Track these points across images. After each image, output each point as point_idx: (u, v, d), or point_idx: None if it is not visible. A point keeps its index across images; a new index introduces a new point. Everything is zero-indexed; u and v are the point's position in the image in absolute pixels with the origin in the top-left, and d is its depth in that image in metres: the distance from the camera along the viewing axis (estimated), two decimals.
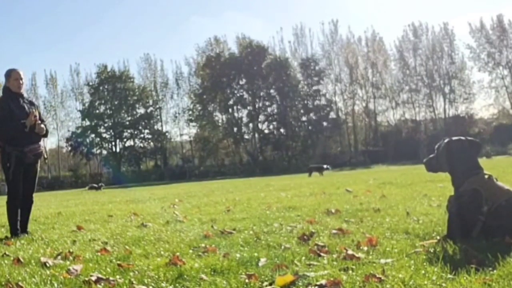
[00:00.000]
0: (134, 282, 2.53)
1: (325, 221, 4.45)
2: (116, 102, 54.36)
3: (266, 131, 55.93)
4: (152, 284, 2.48)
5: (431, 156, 3.39)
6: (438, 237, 3.14)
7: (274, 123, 55.20)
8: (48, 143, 55.52)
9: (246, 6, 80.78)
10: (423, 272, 2.34)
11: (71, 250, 3.62)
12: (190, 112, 55.84)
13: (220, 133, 55.89)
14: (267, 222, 4.66)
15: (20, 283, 2.60)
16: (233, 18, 75.76)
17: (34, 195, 5.38)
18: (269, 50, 55.30)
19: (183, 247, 3.52)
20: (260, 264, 2.76)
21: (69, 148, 54.90)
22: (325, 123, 54.76)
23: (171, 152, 60.62)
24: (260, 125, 55.69)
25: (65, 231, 5.26)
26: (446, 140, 3.28)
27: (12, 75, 5.22)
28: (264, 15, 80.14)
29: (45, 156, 5.53)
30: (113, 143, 55.39)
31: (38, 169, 5.45)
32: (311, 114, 55.08)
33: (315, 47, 59.88)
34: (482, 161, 3.41)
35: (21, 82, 5.27)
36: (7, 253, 3.77)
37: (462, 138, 3.25)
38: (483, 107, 57.78)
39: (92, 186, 28.52)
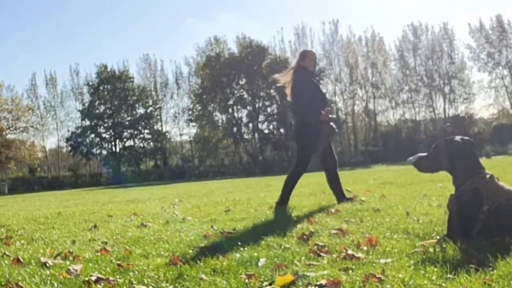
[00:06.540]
0: (134, 282, 2.52)
1: (325, 221, 4.45)
2: (116, 102, 54.38)
3: (266, 131, 55.89)
4: (152, 284, 2.48)
5: (423, 155, 3.37)
6: (438, 237, 3.13)
7: (274, 123, 55.14)
8: (48, 143, 55.65)
9: (247, 7, 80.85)
10: (423, 272, 2.33)
11: (71, 250, 3.61)
12: (190, 112, 55.86)
13: (220, 133, 55.88)
14: (267, 222, 4.66)
15: (20, 283, 2.59)
16: (232, 19, 75.78)
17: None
18: (269, 50, 55.32)
19: (183, 247, 3.52)
20: (260, 264, 2.75)
21: (69, 148, 54.93)
22: None
23: (171, 152, 60.65)
24: (260, 125, 55.67)
25: (65, 231, 5.25)
26: (447, 139, 3.27)
27: (308, 55, 5.66)
28: (264, 16, 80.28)
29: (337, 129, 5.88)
30: (113, 143, 55.40)
31: None
32: None
33: (315, 47, 59.95)
34: (482, 161, 3.40)
35: (316, 62, 5.81)
36: (7, 253, 3.76)
37: (463, 137, 3.25)
38: (483, 107, 57.99)
39: None
